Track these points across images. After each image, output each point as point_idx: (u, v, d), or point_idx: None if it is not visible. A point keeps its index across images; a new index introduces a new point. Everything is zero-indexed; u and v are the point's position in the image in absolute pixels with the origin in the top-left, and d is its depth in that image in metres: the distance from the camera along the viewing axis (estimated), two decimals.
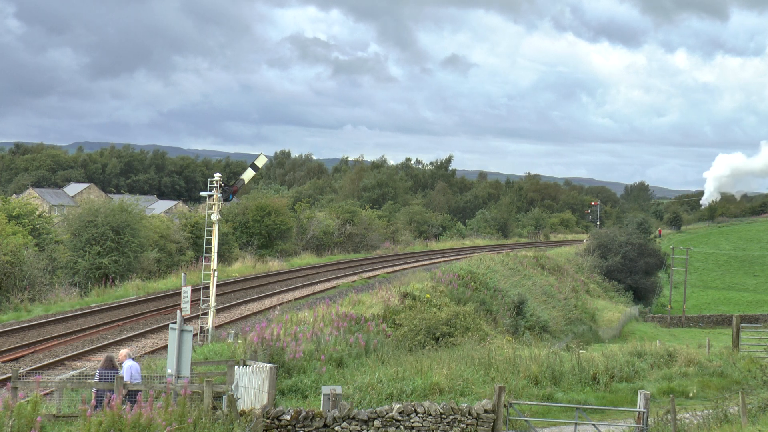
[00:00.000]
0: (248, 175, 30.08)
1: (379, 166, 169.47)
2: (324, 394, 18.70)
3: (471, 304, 37.18)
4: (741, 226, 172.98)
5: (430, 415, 18.64)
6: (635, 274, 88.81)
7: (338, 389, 18.95)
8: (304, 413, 17.97)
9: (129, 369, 18.70)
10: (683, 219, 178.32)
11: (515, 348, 28.64)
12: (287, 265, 57.88)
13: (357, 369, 24.35)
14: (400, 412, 18.51)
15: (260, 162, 29.94)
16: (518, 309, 43.04)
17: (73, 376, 21.15)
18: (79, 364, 25.42)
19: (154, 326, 31.75)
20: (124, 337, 29.67)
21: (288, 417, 17.84)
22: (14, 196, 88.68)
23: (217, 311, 33.04)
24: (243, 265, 54.20)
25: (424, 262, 62.71)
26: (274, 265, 56.33)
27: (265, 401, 19.45)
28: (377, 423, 18.28)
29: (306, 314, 29.99)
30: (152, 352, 27.26)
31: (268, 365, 20.38)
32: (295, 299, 39.36)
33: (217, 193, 28.32)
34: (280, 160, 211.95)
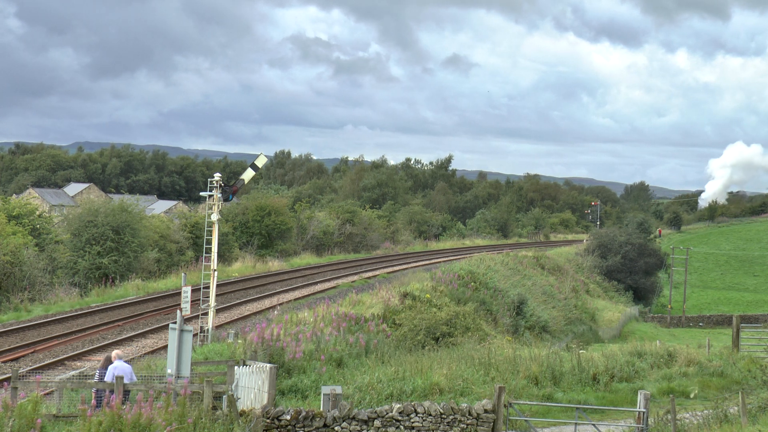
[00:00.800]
0: (248, 175, 30.08)
1: (379, 166, 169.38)
2: (324, 394, 18.70)
3: (471, 304, 37.17)
4: (741, 226, 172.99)
5: (430, 415, 18.64)
6: (635, 274, 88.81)
7: (338, 389, 18.95)
8: (304, 413, 17.97)
9: (113, 371, 18.72)
10: (683, 219, 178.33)
11: (515, 348, 28.64)
12: (287, 265, 57.89)
13: (357, 369, 24.35)
14: (400, 412, 18.52)
15: (260, 162, 29.94)
16: (518, 309, 43.04)
17: (73, 376, 21.14)
18: (79, 364, 25.42)
19: (154, 326, 31.75)
20: (124, 337, 29.67)
21: (288, 417, 17.85)
22: (14, 196, 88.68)
23: (217, 311, 33.04)
24: (243, 265, 54.20)
25: (424, 262, 62.71)
26: (274, 265, 56.34)
27: (265, 401, 19.45)
28: (377, 423, 18.28)
29: (306, 314, 29.99)
30: (152, 352, 27.27)
31: (268, 365, 20.37)
32: (295, 299, 39.37)
33: (217, 193, 28.31)
34: (280, 160, 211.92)
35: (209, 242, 28.71)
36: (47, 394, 20.10)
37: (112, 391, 17.24)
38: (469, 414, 18.86)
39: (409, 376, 23.06)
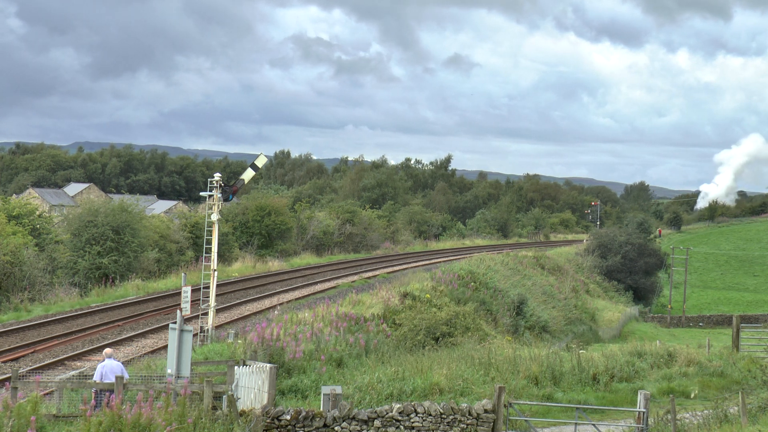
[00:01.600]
0: (248, 175, 30.07)
1: (379, 166, 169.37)
2: (324, 394, 18.70)
3: (471, 304, 37.16)
4: (741, 226, 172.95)
5: (430, 415, 18.63)
6: (635, 274, 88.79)
7: (338, 389, 18.94)
8: (304, 413, 17.96)
9: (101, 369, 18.76)
10: (683, 219, 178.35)
11: (515, 348, 28.62)
12: (287, 265, 57.88)
13: (357, 369, 24.34)
14: (400, 412, 18.51)
15: (260, 162, 29.93)
16: (518, 309, 43.02)
17: (73, 376, 21.14)
18: (79, 364, 25.42)
19: (154, 326, 31.74)
20: (124, 337, 29.66)
21: (288, 417, 17.84)
22: (14, 196, 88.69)
23: (217, 311, 33.03)
24: (243, 265, 54.19)
25: (424, 262, 62.69)
26: (274, 265, 56.33)
27: (265, 401, 19.44)
28: (377, 423, 18.28)
29: (306, 314, 29.99)
30: (152, 352, 27.26)
31: (268, 365, 20.37)
32: (295, 299, 39.36)
33: (217, 193, 28.31)
34: (280, 160, 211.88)
35: (209, 242, 28.70)
36: (47, 394, 20.10)
37: (111, 391, 17.25)
38: (469, 414, 18.85)
39: (409, 376, 23.06)
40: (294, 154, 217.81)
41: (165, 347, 26.70)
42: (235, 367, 20.12)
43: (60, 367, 25.06)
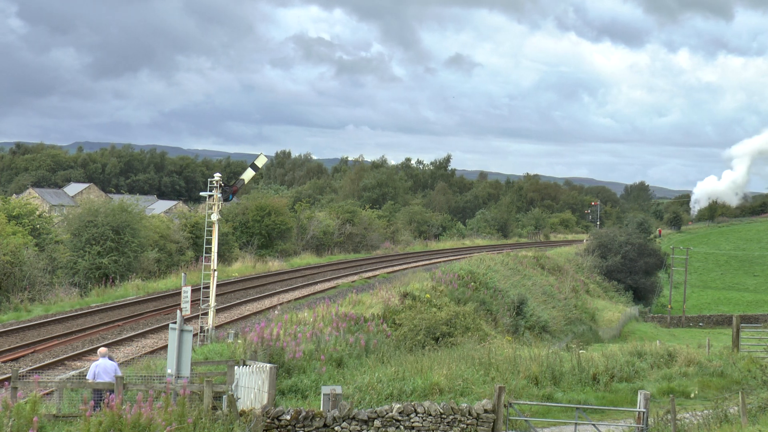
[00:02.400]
0: (248, 175, 30.07)
1: (379, 166, 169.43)
2: (324, 394, 18.69)
3: (471, 304, 37.16)
4: (741, 226, 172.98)
5: (430, 415, 18.63)
6: (635, 274, 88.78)
7: (338, 389, 18.94)
8: (304, 413, 17.96)
9: (94, 368, 18.78)
10: (683, 219, 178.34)
11: (515, 348, 28.63)
12: (287, 265, 57.87)
13: (357, 369, 24.34)
14: (400, 412, 18.51)
15: (260, 162, 29.93)
16: (518, 309, 43.02)
17: (73, 376, 21.14)
18: (79, 364, 25.42)
19: (154, 326, 31.74)
20: (124, 337, 29.66)
21: (288, 417, 17.84)
22: (14, 196, 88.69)
23: (217, 311, 33.03)
24: (243, 265, 54.19)
25: (424, 262, 62.69)
26: (274, 265, 56.32)
27: (265, 401, 19.44)
28: (377, 423, 18.27)
29: (306, 314, 29.98)
30: (152, 352, 27.27)
31: (268, 365, 20.36)
32: (295, 299, 39.36)
33: (217, 193, 28.31)
34: (280, 160, 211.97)
35: (209, 242, 28.70)
36: (47, 394, 20.10)
37: (110, 391, 17.24)
38: (469, 414, 18.85)
39: (409, 376, 23.05)
40: (294, 154, 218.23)
41: (165, 347, 26.70)
42: (235, 367, 20.11)
43: (60, 367, 25.06)
